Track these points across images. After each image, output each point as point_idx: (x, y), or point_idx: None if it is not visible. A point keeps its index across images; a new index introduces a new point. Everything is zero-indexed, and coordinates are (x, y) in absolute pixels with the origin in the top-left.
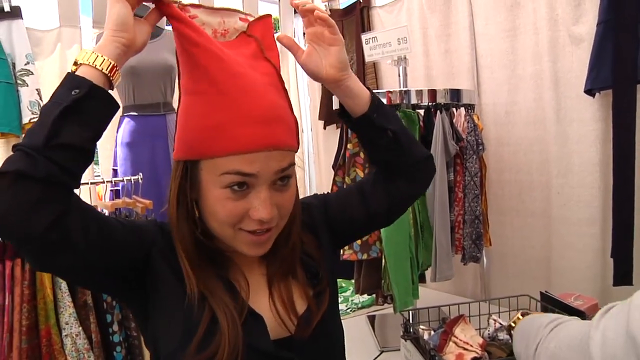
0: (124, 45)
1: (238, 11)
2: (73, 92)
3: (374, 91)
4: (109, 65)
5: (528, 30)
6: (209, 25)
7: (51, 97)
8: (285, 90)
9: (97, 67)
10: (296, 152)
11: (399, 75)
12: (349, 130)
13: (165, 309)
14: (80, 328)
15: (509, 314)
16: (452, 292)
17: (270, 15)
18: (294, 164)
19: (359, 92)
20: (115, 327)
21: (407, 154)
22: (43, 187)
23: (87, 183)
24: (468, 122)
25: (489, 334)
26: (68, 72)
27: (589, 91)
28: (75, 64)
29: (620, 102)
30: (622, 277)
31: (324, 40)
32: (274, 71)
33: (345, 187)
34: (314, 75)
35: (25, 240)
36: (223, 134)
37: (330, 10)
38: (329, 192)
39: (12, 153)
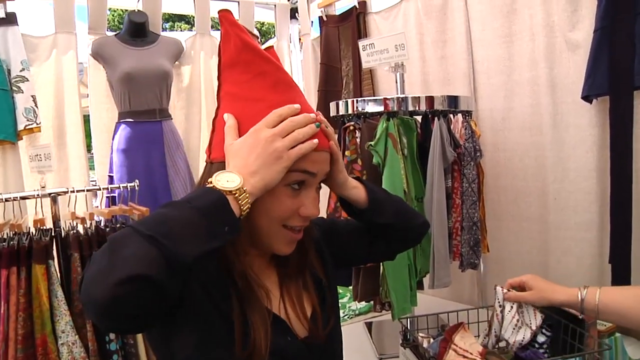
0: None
1: (254, 35)
2: (225, 229)
3: (371, 98)
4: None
5: (524, 37)
6: None
7: (201, 210)
8: None
9: (242, 206)
10: None
11: (397, 82)
12: (347, 137)
13: (191, 320)
14: (77, 336)
15: None
16: (449, 298)
17: (272, 47)
18: None
19: (354, 186)
20: (112, 336)
21: (406, 232)
22: (169, 294)
23: (83, 190)
24: (465, 128)
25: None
26: (221, 195)
27: (586, 97)
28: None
29: (617, 108)
30: (620, 282)
31: None
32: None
33: None
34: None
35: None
36: None
37: (326, 16)
38: (340, 216)
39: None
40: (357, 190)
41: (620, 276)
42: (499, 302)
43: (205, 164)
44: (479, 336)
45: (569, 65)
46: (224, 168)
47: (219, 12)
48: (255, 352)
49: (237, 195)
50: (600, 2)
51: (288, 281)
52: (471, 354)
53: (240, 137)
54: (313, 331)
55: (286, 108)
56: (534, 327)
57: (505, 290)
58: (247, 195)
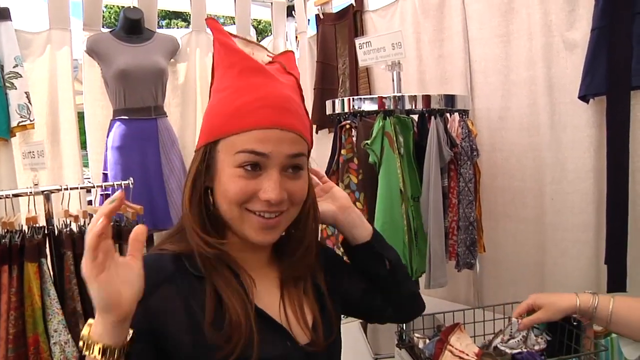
0: (115, 322)
1: (266, 49)
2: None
3: (367, 97)
4: (115, 352)
5: (522, 36)
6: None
7: None
8: (303, 98)
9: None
10: (309, 148)
11: (393, 81)
12: (343, 135)
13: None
14: (70, 336)
15: (504, 321)
16: (445, 298)
17: (292, 52)
18: (306, 155)
19: (363, 223)
20: None
21: (400, 288)
22: None
23: (77, 187)
24: (462, 127)
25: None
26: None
27: (583, 97)
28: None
29: (615, 108)
30: (616, 283)
31: (323, 189)
32: (295, 81)
33: None
34: (331, 215)
35: None
36: (241, 115)
37: (323, 14)
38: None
39: None
40: (361, 218)
41: (616, 277)
42: (510, 331)
43: None
44: (474, 336)
45: (566, 65)
46: (203, 155)
47: (206, 21)
48: (234, 334)
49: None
50: (598, 1)
51: (289, 285)
52: (467, 354)
53: (202, 128)
54: (314, 338)
55: (94, 221)
56: (536, 349)
57: (518, 321)
58: (98, 344)
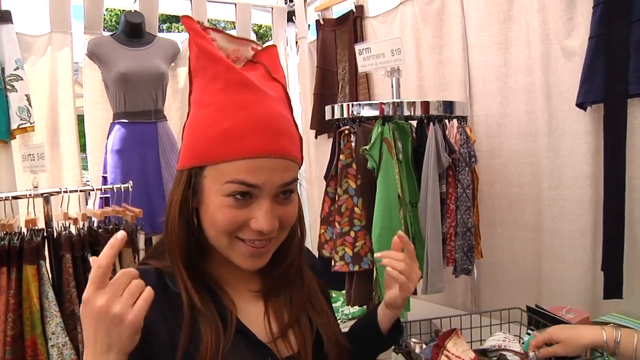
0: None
1: (252, 41)
2: None
3: (366, 102)
4: None
5: (520, 43)
6: (224, 50)
7: None
8: (292, 108)
9: None
10: (299, 167)
11: (392, 87)
12: (341, 141)
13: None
14: (67, 338)
15: (501, 326)
16: (443, 303)
17: (275, 46)
18: (297, 179)
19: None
20: None
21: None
22: None
23: (76, 190)
24: (461, 134)
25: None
26: None
27: (581, 104)
28: None
29: (612, 115)
30: (612, 290)
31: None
32: (281, 89)
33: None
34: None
35: None
36: (229, 140)
37: (323, 19)
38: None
39: None
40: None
41: (612, 284)
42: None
43: None
44: (471, 341)
45: (564, 73)
46: (188, 179)
47: (181, 18)
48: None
49: None
50: (596, 10)
51: (271, 296)
52: None
53: (184, 145)
54: (300, 351)
55: (103, 255)
56: None
57: (537, 353)
58: None
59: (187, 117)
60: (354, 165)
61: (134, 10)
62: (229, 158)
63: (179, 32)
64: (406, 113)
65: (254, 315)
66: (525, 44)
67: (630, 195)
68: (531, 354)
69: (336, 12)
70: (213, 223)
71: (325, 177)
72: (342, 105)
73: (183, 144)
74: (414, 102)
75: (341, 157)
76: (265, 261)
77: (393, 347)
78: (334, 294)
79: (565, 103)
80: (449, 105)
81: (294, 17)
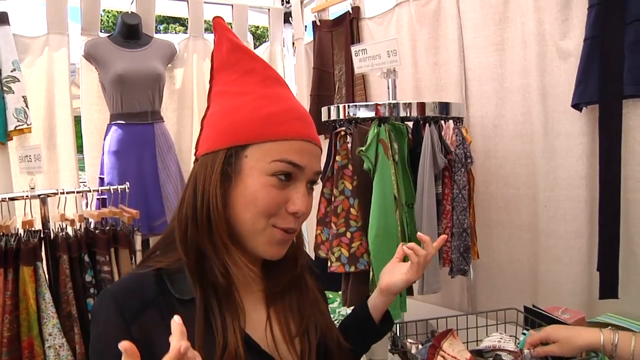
0: None
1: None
2: None
3: (363, 103)
4: None
5: (516, 44)
6: None
7: None
8: None
9: None
10: None
11: (388, 88)
12: (337, 142)
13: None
14: (64, 339)
15: (497, 327)
16: (439, 304)
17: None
18: None
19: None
20: None
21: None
22: None
23: (73, 191)
24: (457, 135)
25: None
26: None
27: (576, 105)
28: None
29: (607, 116)
30: (608, 290)
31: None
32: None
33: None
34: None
35: None
36: (275, 122)
37: (320, 21)
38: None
39: None
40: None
41: (608, 284)
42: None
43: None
44: (467, 342)
45: (559, 74)
46: (227, 158)
47: (213, 19)
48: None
49: None
50: (591, 12)
51: (275, 300)
52: None
53: (217, 129)
54: (303, 357)
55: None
56: None
57: (531, 351)
58: None
59: (209, 108)
60: (350, 167)
61: (131, 12)
62: (276, 137)
63: (175, 33)
64: (402, 114)
65: (257, 319)
66: (520, 45)
67: (625, 196)
68: (526, 351)
69: (333, 13)
70: (254, 203)
71: (322, 178)
72: (338, 107)
73: (213, 129)
74: (410, 103)
75: (337, 158)
76: (285, 251)
77: (389, 347)
78: (330, 295)
79: (560, 104)
80: (445, 107)
81: (290, 19)
